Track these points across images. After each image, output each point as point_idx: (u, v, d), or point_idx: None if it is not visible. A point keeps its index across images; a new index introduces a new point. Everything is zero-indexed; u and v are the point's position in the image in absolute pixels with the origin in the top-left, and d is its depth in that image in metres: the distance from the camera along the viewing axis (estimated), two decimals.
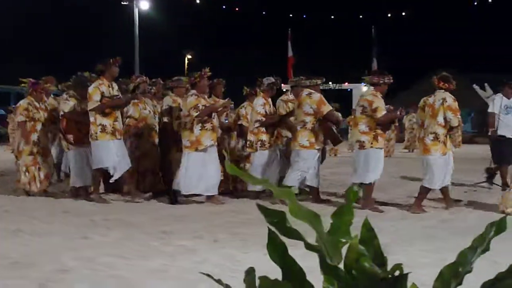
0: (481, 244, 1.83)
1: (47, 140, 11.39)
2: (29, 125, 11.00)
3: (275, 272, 1.90)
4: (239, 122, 11.70)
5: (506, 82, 12.44)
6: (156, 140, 11.44)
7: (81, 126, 10.61)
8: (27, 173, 10.99)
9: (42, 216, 8.88)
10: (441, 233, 7.65)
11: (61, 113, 10.78)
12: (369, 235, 1.93)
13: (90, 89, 10.18)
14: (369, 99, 9.58)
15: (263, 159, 10.75)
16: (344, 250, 1.82)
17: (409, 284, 1.79)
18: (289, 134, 10.94)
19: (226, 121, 11.71)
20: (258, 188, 10.56)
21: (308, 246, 1.79)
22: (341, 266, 1.81)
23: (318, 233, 1.76)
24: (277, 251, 1.86)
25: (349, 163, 15.88)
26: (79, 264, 5.88)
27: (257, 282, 1.85)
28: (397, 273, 1.78)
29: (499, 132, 12.17)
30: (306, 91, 10.23)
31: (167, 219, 8.62)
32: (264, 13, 48.30)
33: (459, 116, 9.49)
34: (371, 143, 9.54)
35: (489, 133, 12.57)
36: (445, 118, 9.36)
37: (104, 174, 10.59)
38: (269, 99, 11.11)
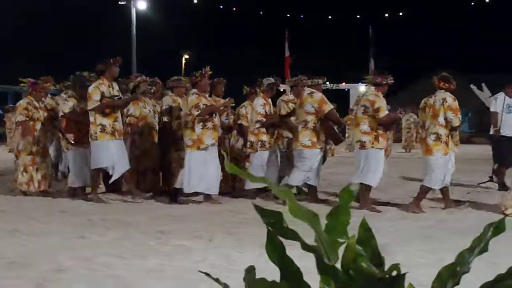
0: (479, 245, 1.83)
1: (47, 140, 11.38)
2: (29, 124, 10.99)
3: (270, 272, 1.90)
4: (239, 122, 11.72)
5: (507, 82, 12.44)
6: (156, 139, 11.44)
7: (81, 126, 10.60)
8: (24, 173, 10.98)
9: (39, 215, 8.88)
10: (439, 233, 7.65)
11: (61, 113, 10.75)
12: (366, 235, 1.93)
13: (90, 88, 10.17)
14: (371, 99, 9.58)
15: (263, 159, 10.76)
16: (341, 251, 1.82)
17: (406, 284, 1.79)
18: (290, 135, 10.96)
19: (227, 120, 11.73)
20: (256, 186, 10.56)
21: (305, 246, 1.79)
22: (338, 266, 1.81)
23: (316, 233, 1.76)
24: (276, 251, 1.86)
25: (347, 163, 15.91)
26: (77, 264, 5.88)
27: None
28: (394, 273, 1.78)
29: (501, 132, 12.18)
30: (307, 90, 10.26)
31: (164, 219, 8.61)
32: (261, 13, 48.36)
33: (460, 116, 9.50)
34: (372, 143, 9.54)
35: (491, 132, 12.53)
36: (445, 118, 9.37)
37: (105, 174, 10.61)
38: (269, 100, 11.13)
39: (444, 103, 9.38)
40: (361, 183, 9.52)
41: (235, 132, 11.92)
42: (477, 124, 37.61)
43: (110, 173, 10.34)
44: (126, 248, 6.61)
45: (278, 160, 11.11)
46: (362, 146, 9.60)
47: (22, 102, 11.27)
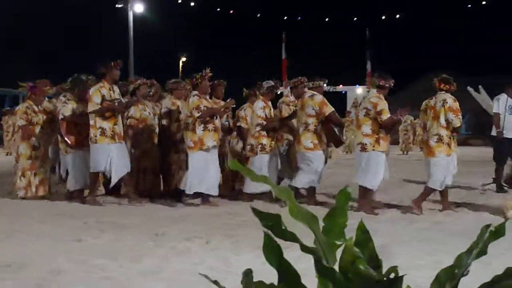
0: (477, 247, 1.82)
1: (47, 144, 11.31)
2: (29, 128, 10.97)
3: (267, 274, 1.89)
4: (238, 124, 11.72)
5: (507, 83, 12.43)
6: (156, 141, 11.43)
7: (81, 128, 10.53)
8: (22, 178, 10.96)
9: (36, 218, 8.86)
10: (437, 235, 7.64)
11: (61, 116, 10.62)
12: (364, 237, 1.92)
13: (91, 91, 10.16)
14: (374, 102, 9.56)
15: (263, 162, 10.74)
16: (339, 253, 1.80)
17: (404, 286, 1.78)
18: (290, 137, 10.96)
19: (226, 122, 11.72)
20: (255, 190, 10.58)
21: (304, 248, 1.78)
22: (336, 268, 1.80)
23: (315, 235, 1.75)
24: (273, 254, 1.85)
25: (345, 164, 15.91)
26: (73, 266, 5.86)
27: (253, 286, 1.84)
28: (392, 275, 1.77)
29: (504, 133, 12.16)
30: (308, 93, 10.29)
31: (161, 221, 8.60)
32: (258, 15, 48.35)
33: (460, 117, 9.51)
34: (373, 146, 9.53)
35: (492, 133, 12.50)
36: (446, 120, 9.39)
37: (105, 177, 10.58)
38: (269, 102, 11.12)
39: (445, 104, 9.39)
40: (361, 186, 9.56)
41: (234, 133, 11.93)
42: (474, 126, 37.66)
43: (108, 176, 10.33)
44: (122, 251, 6.59)
45: (278, 162, 11.11)
46: (363, 148, 9.58)
47: (21, 107, 11.24)
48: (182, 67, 55.39)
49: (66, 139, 10.56)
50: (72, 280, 5.38)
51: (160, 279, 5.43)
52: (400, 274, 1.78)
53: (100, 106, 10.05)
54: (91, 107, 10.08)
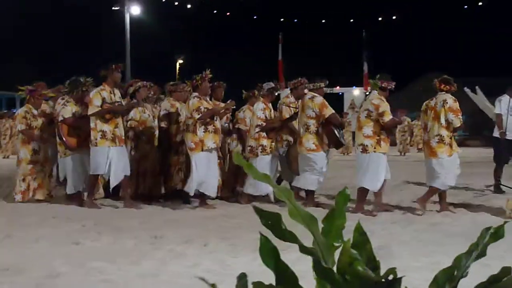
0: (476, 249, 1.83)
1: (46, 147, 11.27)
2: (29, 132, 10.96)
3: (264, 276, 1.89)
4: (237, 126, 11.72)
5: (510, 84, 12.44)
6: (156, 143, 11.43)
7: (80, 131, 10.50)
8: (22, 182, 10.95)
9: (34, 221, 8.85)
10: (434, 236, 7.64)
11: (60, 118, 10.55)
12: (361, 239, 1.92)
13: (92, 94, 10.15)
14: (376, 103, 9.56)
15: (265, 163, 10.71)
16: (337, 254, 1.81)
17: (402, 287, 1.78)
18: (290, 138, 10.96)
19: (226, 124, 11.72)
20: (256, 192, 10.61)
21: (303, 249, 1.78)
22: (334, 269, 1.80)
23: (314, 236, 1.75)
24: (270, 256, 1.85)
25: (343, 166, 15.90)
26: (71, 269, 5.86)
27: (251, 287, 1.84)
28: (390, 277, 1.77)
29: (506, 134, 12.16)
30: (309, 94, 10.31)
31: (158, 224, 8.60)
32: (255, 17, 48.35)
33: (461, 117, 9.52)
34: (374, 148, 9.54)
35: (494, 134, 12.48)
36: (447, 120, 9.41)
37: (105, 180, 10.57)
38: (269, 104, 11.11)
39: (445, 104, 9.42)
40: (360, 187, 9.57)
41: (234, 135, 11.93)
42: (471, 127, 37.63)
43: (106, 178, 10.32)
44: (121, 253, 6.58)
45: (278, 164, 11.11)
46: (364, 150, 9.59)
47: (20, 111, 11.22)
48: (179, 69, 55.34)
49: (66, 141, 10.47)
50: (70, 283, 5.38)
51: (158, 282, 5.43)
52: (398, 276, 1.78)
53: (100, 109, 10.04)
54: (91, 110, 10.07)
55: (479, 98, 13.68)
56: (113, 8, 38.08)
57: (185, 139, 10.26)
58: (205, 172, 10.04)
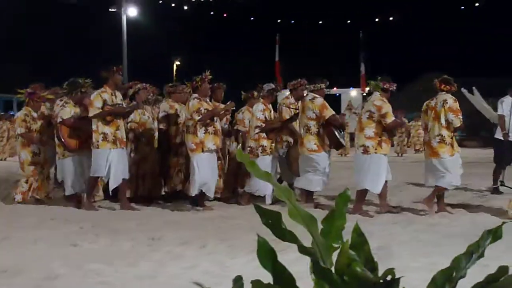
0: (476, 250, 1.83)
1: (46, 149, 11.25)
2: (29, 135, 10.95)
3: (262, 277, 1.88)
4: (236, 127, 11.72)
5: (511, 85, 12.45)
6: (155, 145, 11.43)
7: (79, 132, 10.48)
8: (25, 184, 10.96)
9: (32, 223, 8.84)
10: (432, 237, 7.63)
11: (59, 119, 10.50)
12: (359, 240, 1.92)
13: (93, 96, 10.13)
14: (378, 105, 9.56)
15: (266, 163, 10.67)
16: (335, 255, 1.80)
17: None
18: (290, 139, 10.95)
19: (226, 126, 11.72)
20: (256, 193, 10.62)
21: (302, 249, 1.78)
22: (333, 270, 1.80)
23: (313, 236, 1.75)
24: (267, 258, 1.85)
25: (339, 167, 15.90)
26: (69, 271, 5.85)
27: (250, 286, 1.84)
28: (389, 277, 1.77)
29: (498, 135, 12.15)
30: (309, 96, 10.32)
31: (156, 226, 8.59)
32: (252, 18, 48.38)
33: (461, 117, 9.53)
34: (375, 149, 9.55)
35: (496, 136, 12.47)
36: (447, 120, 9.42)
37: (105, 182, 10.57)
38: (269, 105, 11.09)
39: (445, 104, 9.44)
40: (361, 189, 9.58)
41: (233, 137, 11.95)
42: (468, 128, 37.69)
43: (105, 180, 10.33)
44: (118, 255, 6.58)
45: (277, 165, 11.11)
46: (366, 151, 9.59)
47: (20, 114, 11.22)
48: (176, 71, 55.44)
49: (66, 143, 10.41)
50: (68, 285, 5.38)
51: (156, 284, 5.43)
52: (396, 277, 1.78)
53: (101, 110, 10.04)
54: (92, 112, 10.05)
55: (476, 99, 13.68)
56: (110, 9, 38.08)
57: (186, 141, 10.26)
58: (207, 172, 10.03)
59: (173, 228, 8.35)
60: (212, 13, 45.16)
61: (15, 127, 11.62)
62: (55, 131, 10.64)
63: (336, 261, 1.81)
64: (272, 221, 1.80)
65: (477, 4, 40.11)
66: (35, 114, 11.13)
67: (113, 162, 10.03)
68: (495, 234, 1.85)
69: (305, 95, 10.61)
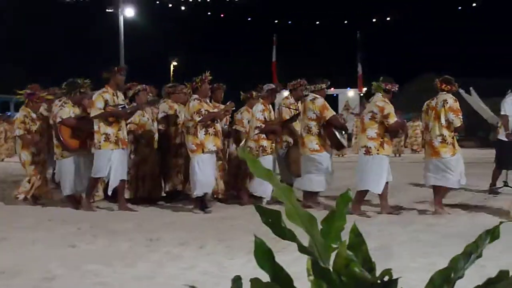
0: (475, 251, 1.83)
1: (45, 149, 11.23)
2: (28, 138, 10.94)
3: (261, 277, 1.89)
4: (234, 127, 11.71)
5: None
6: (155, 146, 11.43)
7: (79, 132, 10.45)
8: (27, 184, 10.96)
9: (30, 224, 8.83)
10: (430, 237, 7.64)
11: (59, 119, 10.41)
12: (357, 240, 1.92)
13: (94, 96, 10.10)
14: (380, 105, 9.55)
15: (266, 163, 10.64)
16: (332, 256, 1.81)
17: None
18: (290, 139, 10.94)
19: (225, 126, 11.71)
20: (257, 193, 10.62)
21: (302, 249, 1.78)
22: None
23: (312, 236, 1.76)
24: (265, 258, 1.85)
25: (337, 167, 15.89)
26: (67, 272, 5.85)
27: (250, 285, 1.84)
28: (386, 278, 1.77)
29: (501, 136, 12.15)
30: (310, 96, 10.29)
31: (154, 226, 8.59)
32: (249, 19, 48.37)
33: (461, 117, 9.54)
34: (378, 150, 9.55)
35: (499, 136, 12.46)
36: (447, 120, 9.43)
37: (106, 182, 10.57)
38: (269, 106, 11.07)
39: (445, 104, 9.46)
40: (362, 189, 9.58)
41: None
42: (466, 128, 37.74)
43: (106, 181, 10.33)
44: (116, 256, 6.57)
45: (276, 165, 11.11)
46: (368, 151, 9.58)
47: (19, 115, 11.19)
48: (173, 71, 55.40)
49: (66, 143, 10.35)
50: (66, 286, 5.38)
51: (154, 284, 5.42)
52: (394, 277, 1.78)
53: (102, 111, 10.03)
54: (94, 112, 10.03)
55: (473, 99, 13.67)
56: (107, 10, 38.08)
57: (186, 141, 10.24)
58: (208, 173, 10.03)
59: (171, 229, 8.36)
60: (209, 13, 45.15)
61: (14, 129, 11.61)
62: (54, 131, 10.63)
63: (334, 261, 1.81)
64: (272, 219, 1.81)
65: (474, 4, 40.13)
66: (34, 115, 11.12)
67: (114, 163, 10.02)
68: (492, 234, 1.85)
69: (305, 95, 10.59)
